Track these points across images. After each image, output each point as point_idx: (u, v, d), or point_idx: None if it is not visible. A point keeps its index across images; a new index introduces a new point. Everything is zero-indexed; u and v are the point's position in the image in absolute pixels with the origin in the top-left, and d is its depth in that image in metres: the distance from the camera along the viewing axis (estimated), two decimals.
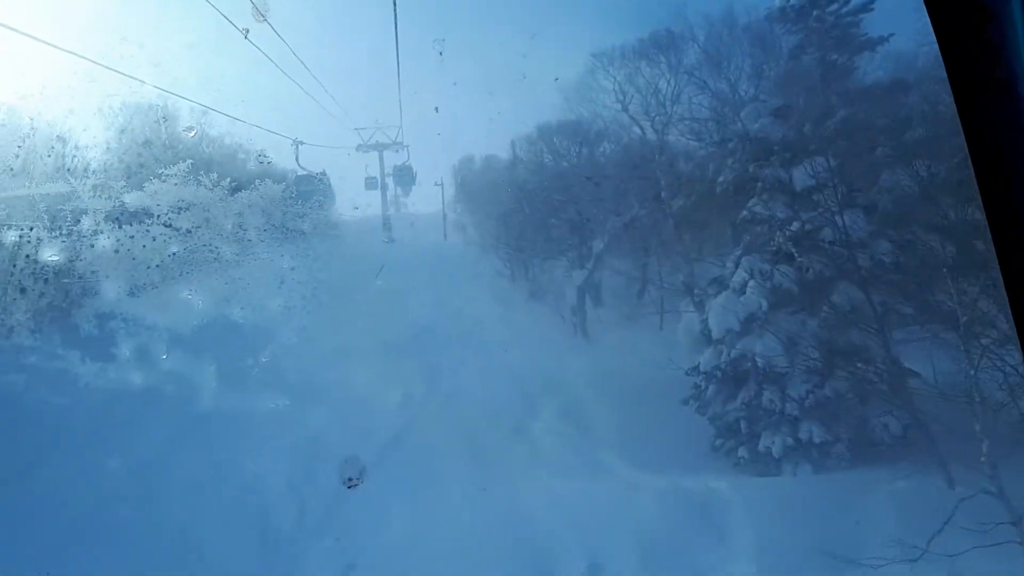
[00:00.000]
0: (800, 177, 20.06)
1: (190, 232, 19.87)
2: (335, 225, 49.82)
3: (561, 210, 34.55)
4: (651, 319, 33.49)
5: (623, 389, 23.92)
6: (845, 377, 18.84)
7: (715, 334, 20.15)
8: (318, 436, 20.91)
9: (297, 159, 37.27)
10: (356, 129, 54.87)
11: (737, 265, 20.75)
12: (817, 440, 18.53)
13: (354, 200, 55.80)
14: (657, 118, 28.42)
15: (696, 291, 24.20)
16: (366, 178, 52.96)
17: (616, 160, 32.48)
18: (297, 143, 37.74)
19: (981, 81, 1.80)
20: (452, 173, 57.85)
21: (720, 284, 21.53)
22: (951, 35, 1.85)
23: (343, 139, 54.66)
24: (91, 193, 18.08)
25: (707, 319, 21.07)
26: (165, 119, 21.27)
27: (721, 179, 21.83)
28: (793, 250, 19.70)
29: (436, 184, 57.31)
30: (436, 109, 38.02)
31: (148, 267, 18.10)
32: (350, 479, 17.35)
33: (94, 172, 18.41)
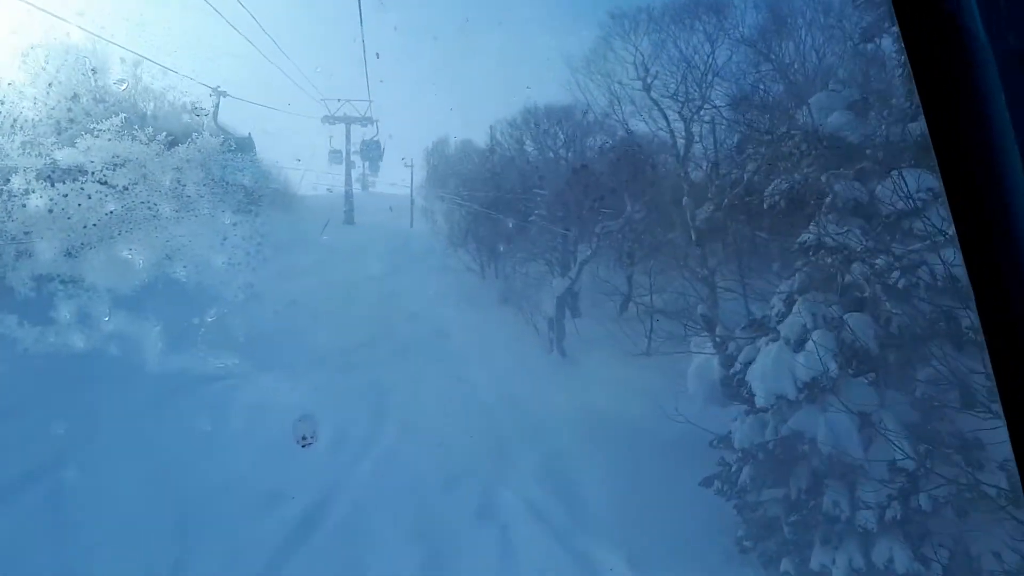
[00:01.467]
0: (887, 195, 13.73)
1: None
2: (285, 202, 43.01)
3: (544, 206, 27.60)
4: (636, 340, 26.86)
5: (618, 443, 17.84)
6: (945, 483, 12.51)
7: (760, 398, 13.81)
8: None
9: (215, 116, 28.48)
10: (323, 100, 47.55)
11: (789, 305, 14.45)
12: (900, 569, 12.25)
13: (315, 175, 49.05)
14: (689, 103, 21.72)
15: (720, 329, 17.66)
16: (330, 151, 45.93)
17: (625, 152, 25.62)
18: (218, 94, 29.54)
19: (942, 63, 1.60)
20: (424, 156, 51.04)
21: (762, 328, 15.16)
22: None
23: (306, 108, 47.49)
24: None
25: (741, 372, 14.68)
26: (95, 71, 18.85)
27: (771, 188, 15.26)
28: (878, 294, 13.29)
29: (406, 165, 50.28)
30: (377, 55, 31.25)
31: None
32: (304, 437, 15.87)
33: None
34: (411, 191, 50.37)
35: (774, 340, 14.67)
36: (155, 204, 18.07)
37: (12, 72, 16.79)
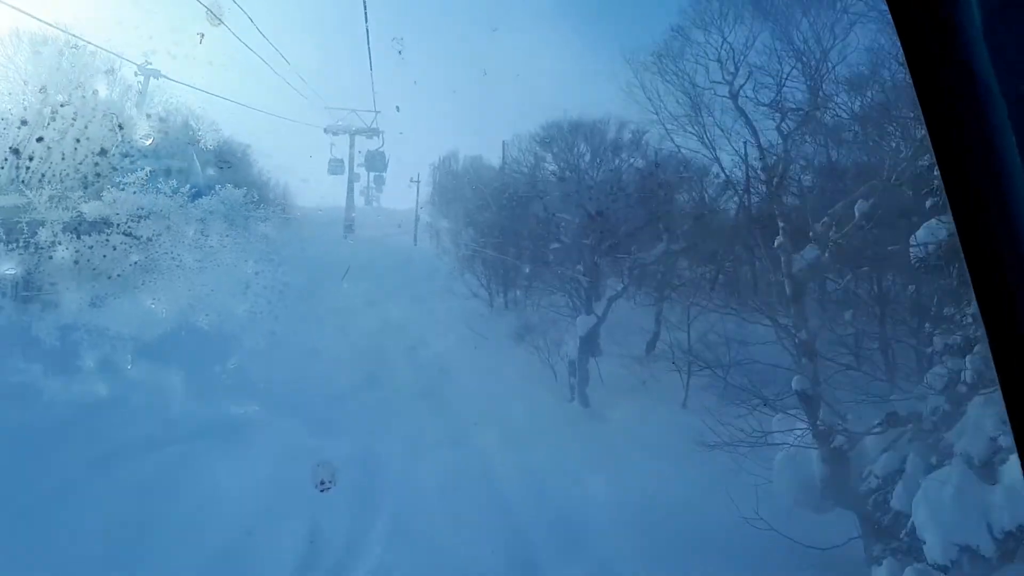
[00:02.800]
0: None
1: None
2: (283, 216, 37.96)
3: (567, 233, 22.37)
4: (670, 388, 21.74)
5: (685, 558, 12.40)
6: None
7: (934, 550, 8.55)
8: None
9: (142, 101, 23.40)
10: (328, 108, 42.42)
11: (956, 403, 9.11)
12: None
13: (313, 187, 44.16)
14: (790, 114, 16.56)
15: (842, 421, 12.47)
16: (330, 160, 40.85)
17: (672, 175, 20.57)
18: (148, 72, 24.36)
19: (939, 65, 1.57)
20: (431, 172, 46.01)
21: (912, 428, 9.89)
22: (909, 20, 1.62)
23: (309, 117, 42.49)
24: None
25: (879, 490, 9.46)
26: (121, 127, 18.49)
27: (924, 233, 10.10)
28: None
29: (412, 181, 45.24)
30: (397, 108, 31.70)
31: None
32: (322, 482, 14.34)
33: None
34: (416, 207, 45.18)
35: (935, 454, 9.46)
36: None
37: (41, 129, 16.64)
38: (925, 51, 1.59)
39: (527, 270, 28.69)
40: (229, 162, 26.11)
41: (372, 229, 44.19)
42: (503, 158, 38.66)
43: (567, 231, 23.41)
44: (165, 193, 18.54)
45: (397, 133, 44.92)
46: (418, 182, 45.81)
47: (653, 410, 21.87)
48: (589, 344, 22.71)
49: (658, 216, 23.61)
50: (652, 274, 24.28)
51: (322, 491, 14.73)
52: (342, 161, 41.73)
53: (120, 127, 18.15)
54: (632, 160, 23.61)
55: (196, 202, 20.18)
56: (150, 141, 19.35)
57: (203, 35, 19.74)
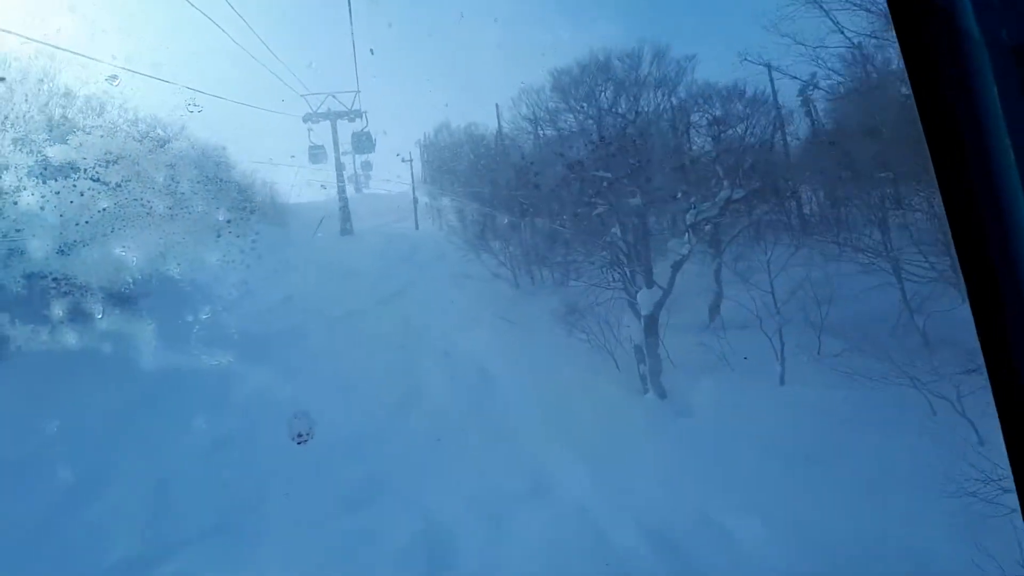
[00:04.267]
0: None
1: None
2: (273, 214, 32.98)
3: (605, 193, 17.32)
4: (759, 361, 16.90)
5: None
6: None
7: None
8: None
9: None
10: (304, 96, 37.04)
11: None
12: None
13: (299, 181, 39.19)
14: None
15: None
16: (310, 147, 35.45)
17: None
18: None
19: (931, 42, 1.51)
20: (419, 148, 40.89)
21: None
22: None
23: (288, 106, 37.31)
24: None
25: None
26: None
27: None
28: None
29: (403, 160, 40.02)
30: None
31: None
32: (299, 435, 13.32)
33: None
34: (412, 188, 39.95)
35: None
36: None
37: (3, 69, 15.82)
38: (909, 3, 1.51)
39: (557, 242, 23.66)
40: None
41: (369, 219, 39.04)
42: (503, 119, 33.79)
43: (606, 191, 18.31)
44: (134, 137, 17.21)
45: (379, 111, 39.88)
46: (410, 160, 40.56)
47: (745, 393, 17.15)
48: (655, 323, 17.77)
49: (714, 158, 18.56)
50: (716, 227, 19.32)
51: (299, 443, 13.39)
52: (322, 147, 36.45)
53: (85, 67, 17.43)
54: (670, 96, 18.46)
55: None
56: (116, 83, 17.88)
57: None
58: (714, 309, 21.04)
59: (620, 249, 19.32)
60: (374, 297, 26.20)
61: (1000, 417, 1.51)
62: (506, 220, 30.13)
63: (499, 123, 35.29)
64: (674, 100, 18.71)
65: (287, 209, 37.85)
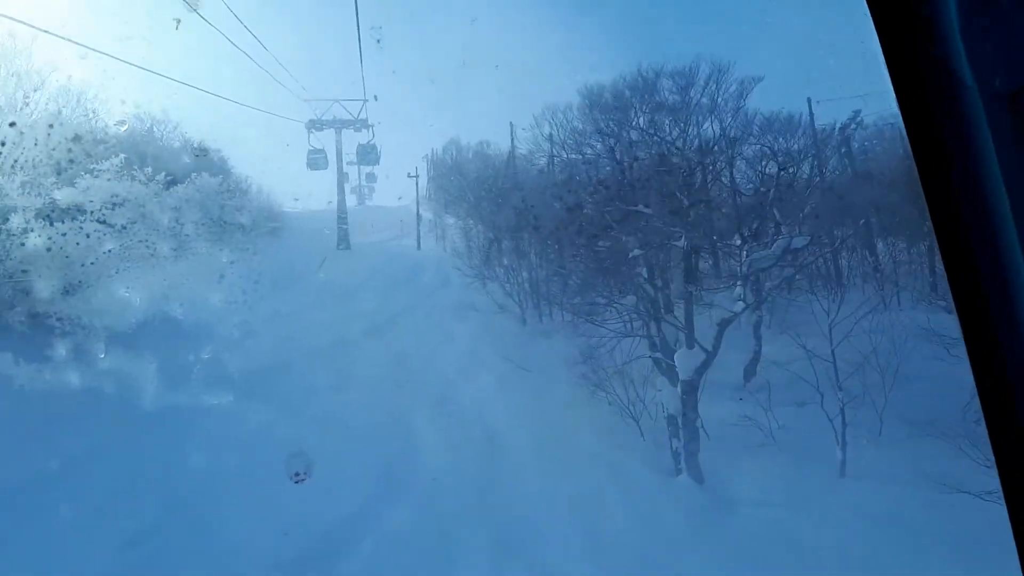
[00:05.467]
0: None
1: None
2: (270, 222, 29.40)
3: (639, 230, 13.71)
4: (813, 439, 13.64)
5: None
6: None
7: None
8: None
9: None
10: (307, 100, 33.53)
11: None
12: None
13: (297, 189, 35.78)
14: None
15: None
16: (309, 152, 31.80)
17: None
18: None
19: (916, 58, 1.49)
20: (426, 164, 37.55)
21: None
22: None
23: (291, 112, 33.88)
24: None
25: None
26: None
27: None
28: None
29: (409, 175, 36.56)
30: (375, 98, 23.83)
31: None
32: (297, 474, 12.02)
33: None
34: (417, 204, 36.43)
35: None
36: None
37: (14, 114, 15.65)
38: (903, 47, 1.47)
39: (573, 279, 20.15)
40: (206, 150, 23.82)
41: (369, 234, 35.53)
42: (519, 140, 30.37)
43: (643, 229, 14.81)
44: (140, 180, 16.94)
45: (385, 124, 36.48)
46: (416, 176, 37.08)
47: (799, 485, 13.67)
48: (695, 391, 14.24)
49: (771, 199, 15.11)
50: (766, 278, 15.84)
51: (296, 483, 12.32)
52: (323, 152, 32.85)
53: (94, 112, 16.80)
54: (727, 123, 14.99)
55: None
56: (125, 127, 18.01)
57: (179, 21, 17.97)
58: (750, 369, 17.58)
59: (649, 296, 15.80)
60: (366, 324, 22.62)
61: (988, 428, 1.47)
62: (516, 247, 26.77)
63: (512, 141, 32.08)
64: (731, 127, 15.21)
65: (284, 219, 34.23)
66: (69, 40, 17.12)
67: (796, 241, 15.08)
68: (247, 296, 19.24)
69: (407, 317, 24.10)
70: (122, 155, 16.63)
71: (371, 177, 44.53)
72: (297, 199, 34.57)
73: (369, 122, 35.44)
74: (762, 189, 15.80)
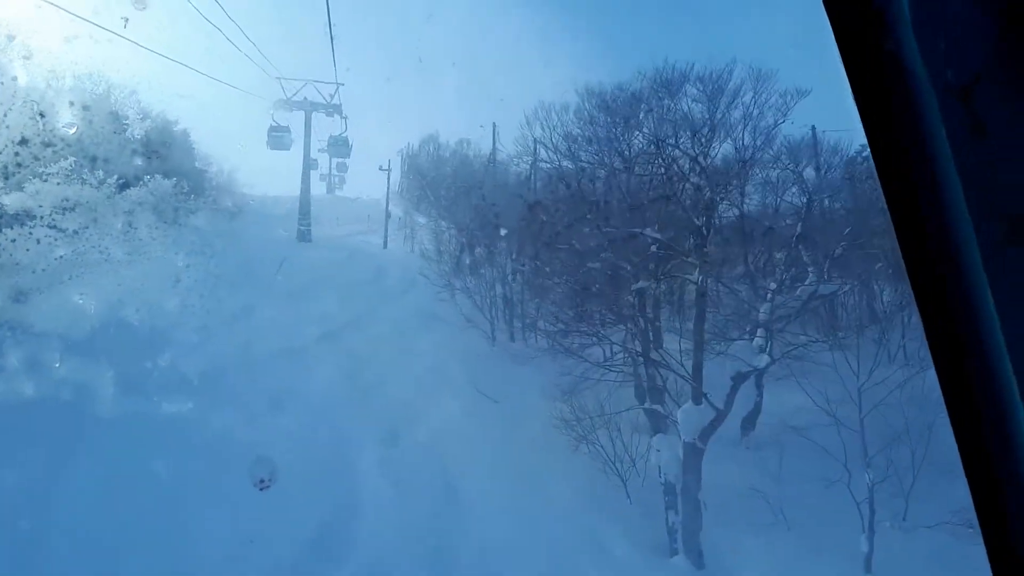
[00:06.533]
0: None
1: None
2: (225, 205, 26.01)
3: (646, 259, 10.55)
4: (831, 525, 10.41)
5: None
6: None
7: None
8: None
9: None
10: (279, 79, 30.05)
11: None
12: None
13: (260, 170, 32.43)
14: None
15: None
16: (270, 128, 28.25)
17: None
18: None
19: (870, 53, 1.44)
20: (400, 159, 34.49)
21: None
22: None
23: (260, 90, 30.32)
24: None
25: None
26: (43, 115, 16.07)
27: None
28: None
29: (382, 169, 33.36)
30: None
31: None
32: (262, 480, 11.04)
33: None
34: (387, 201, 33.18)
35: None
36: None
37: None
38: (856, 41, 1.42)
39: (553, 301, 17.23)
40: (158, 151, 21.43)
41: (334, 226, 32.18)
42: (497, 141, 27.38)
43: (651, 257, 11.94)
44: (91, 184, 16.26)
45: (359, 114, 33.34)
46: (389, 171, 33.79)
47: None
48: (699, 456, 11.43)
49: (798, 237, 12.38)
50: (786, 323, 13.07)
51: (261, 489, 10.96)
52: (287, 131, 29.40)
53: (42, 115, 15.75)
54: (761, 140, 12.20)
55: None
56: (74, 130, 16.92)
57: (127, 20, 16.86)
58: (749, 421, 14.88)
59: (645, 333, 12.95)
60: (319, 329, 19.42)
61: (956, 435, 1.43)
62: (489, 256, 23.84)
63: (494, 143, 29.17)
64: (761, 147, 12.40)
65: (244, 203, 30.63)
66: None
67: (824, 288, 12.38)
68: (191, 298, 17.14)
69: (365, 322, 20.92)
70: (71, 158, 15.86)
71: (342, 166, 41.14)
72: (257, 185, 31.00)
73: (343, 110, 32.21)
74: (787, 222, 13.07)
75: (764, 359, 11.48)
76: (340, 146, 33.48)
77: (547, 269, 17.10)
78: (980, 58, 1.26)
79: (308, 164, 31.77)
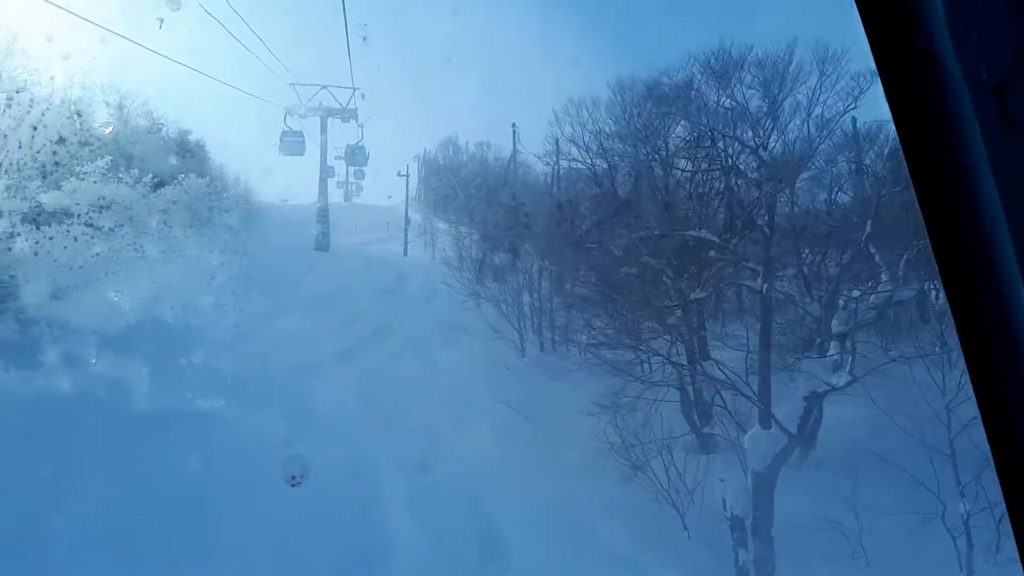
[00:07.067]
0: None
1: None
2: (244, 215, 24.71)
3: (699, 264, 8.75)
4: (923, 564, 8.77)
5: None
6: None
7: None
8: None
9: None
10: (293, 84, 28.75)
11: None
12: None
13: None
14: None
15: None
16: (283, 134, 26.92)
17: None
18: None
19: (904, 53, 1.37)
20: (417, 163, 33.13)
21: None
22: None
23: (276, 97, 28.94)
24: None
25: None
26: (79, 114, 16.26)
27: None
28: None
29: (399, 174, 31.94)
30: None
31: None
32: (293, 477, 10.57)
33: None
34: (406, 208, 31.73)
35: None
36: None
37: None
38: (889, 37, 1.35)
39: (589, 310, 15.70)
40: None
41: (352, 234, 30.80)
42: (518, 141, 25.89)
43: (707, 261, 10.35)
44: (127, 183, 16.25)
45: (375, 119, 32.10)
46: (407, 176, 32.36)
47: None
48: (771, 487, 9.82)
49: (868, 235, 10.73)
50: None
51: (293, 486, 10.47)
52: (300, 136, 28.09)
53: (79, 114, 15.97)
54: (826, 130, 10.58)
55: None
56: (110, 129, 16.96)
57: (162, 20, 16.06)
58: (808, 438, 13.20)
59: (688, 346, 11.36)
60: (337, 344, 18.03)
61: (986, 430, 1.36)
62: (513, 262, 22.36)
63: (514, 145, 27.67)
64: (828, 135, 10.78)
65: (262, 212, 29.38)
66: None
67: (901, 293, 10.74)
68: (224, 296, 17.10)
69: (386, 337, 19.50)
70: (107, 157, 15.98)
71: (359, 173, 39.83)
72: (272, 193, 29.67)
73: (358, 115, 30.85)
74: (853, 219, 11.44)
75: (844, 377, 9.90)
76: (357, 155, 32.29)
77: (582, 275, 15.57)
78: (1014, 54, 1.23)
79: (325, 171, 30.46)
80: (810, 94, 10.60)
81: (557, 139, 20.59)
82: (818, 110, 10.53)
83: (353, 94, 30.27)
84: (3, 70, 15.67)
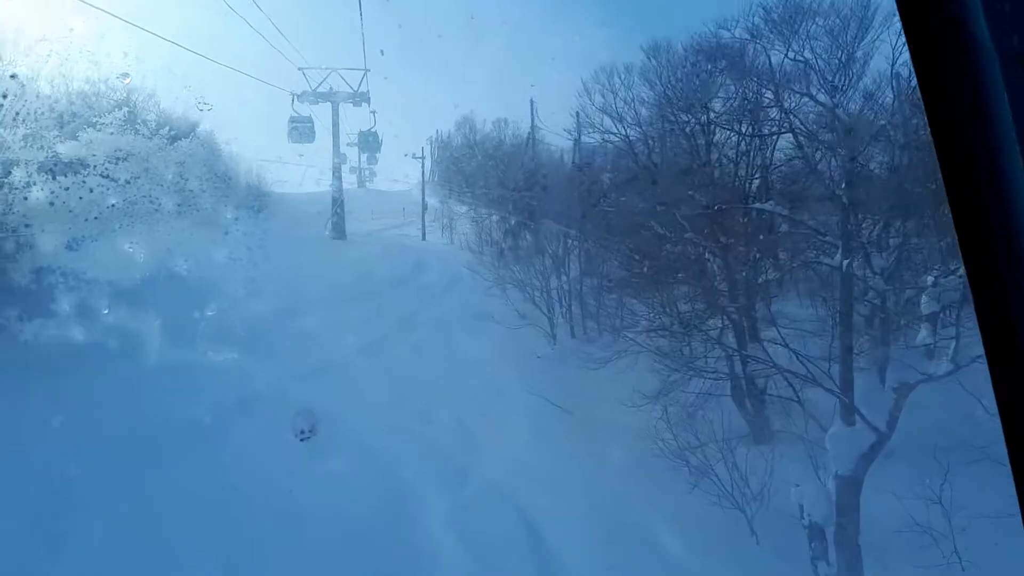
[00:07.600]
0: None
1: None
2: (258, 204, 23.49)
3: (765, 238, 7.19)
4: None
5: None
6: None
7: None
8: None
9: None
10: (302, 69, 27.34)
11: None
12: None
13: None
14: None
15: None
16: (291, 119, 25.62)
17: None
18: None
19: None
20: (431, 145, 31.72)
21: None
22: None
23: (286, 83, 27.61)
24: None
25: None
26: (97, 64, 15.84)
27: None
28: None
29: (414, 156, 30.54)
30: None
31: None
32: (302, 431, 11.31)
33: None
34: (422, 191, 30.36)
35: None
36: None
37: (16, 66, 14.22)
38: (918, 6, 1.34)
39: (624, 292, 14.34)
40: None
41: (367, 221, 29.52)
42: (536, 117, 24.39)
43: (771, 237, 8.94)
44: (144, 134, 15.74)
45: (388, 102, 30.69)
46: (423, 158, 30.93)
47: None
48: (857, 490, 8.50)
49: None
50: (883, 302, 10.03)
51: (302, 440, 11.10)
52: (308, 122, 26.68)
53: (96, 64, 15.41)
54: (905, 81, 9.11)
55: None
56: (127, 80, 16.22)
57: None
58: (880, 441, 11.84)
59: (743, 331, 10.00)
60: (358, 340, 16.75)
61: (1003, 424, 1.35)
62: (537, 243, 21.01)
63: (532, 119, 26.14)
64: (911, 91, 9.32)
65: (274, 200, 28.07)
66: None
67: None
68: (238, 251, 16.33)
69: (408, 329, 18.24)
70: (125, 108, 15.40)
71: (372, 159, 38.49)
72: (282, 182, 28.25)
73: (372, 102, 29.40)
74: (932, 186, 10.00)
75: (944, 365, 8.52)
76: (370, 141, 30.91)
77: (623, 256, 14.20)
78: None
79: (338, 156, 29.13)
80: (893, 45, 9.14)
81: (582, 112, 19.19)
82: (902, 60, 9.08)
83: (364, 76, 28.88)
84: (25, 21, 15.40)
